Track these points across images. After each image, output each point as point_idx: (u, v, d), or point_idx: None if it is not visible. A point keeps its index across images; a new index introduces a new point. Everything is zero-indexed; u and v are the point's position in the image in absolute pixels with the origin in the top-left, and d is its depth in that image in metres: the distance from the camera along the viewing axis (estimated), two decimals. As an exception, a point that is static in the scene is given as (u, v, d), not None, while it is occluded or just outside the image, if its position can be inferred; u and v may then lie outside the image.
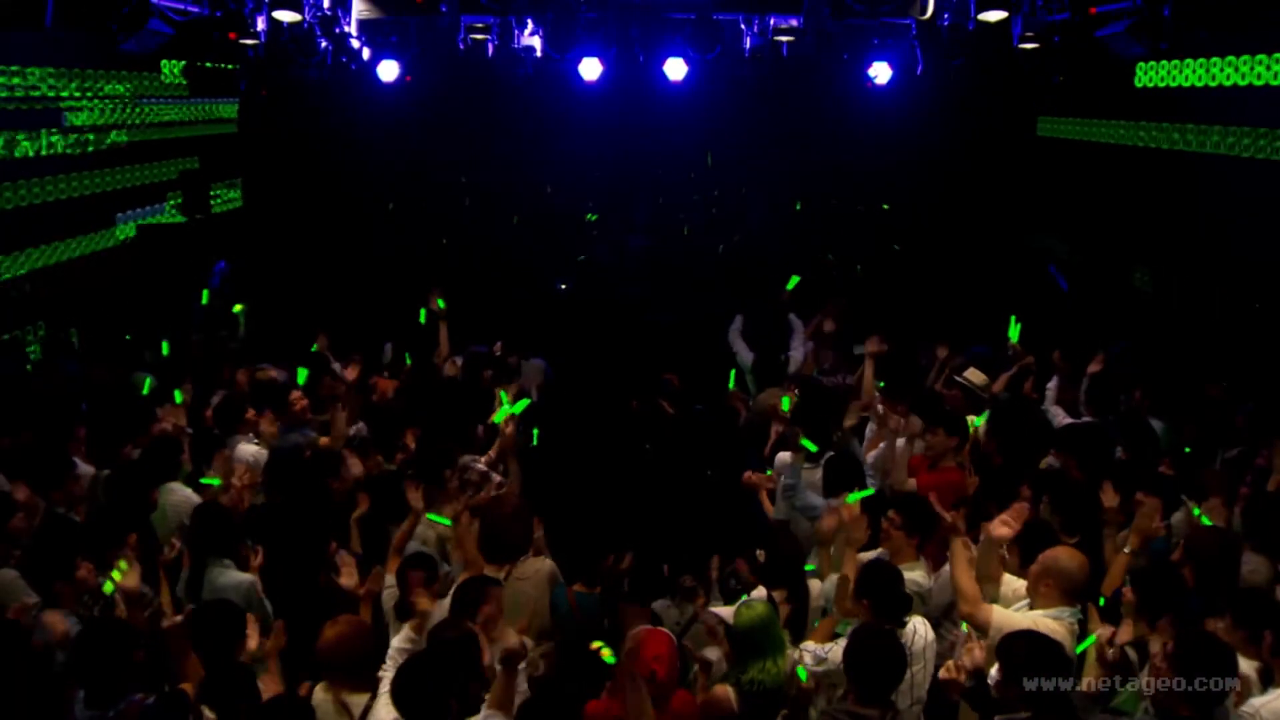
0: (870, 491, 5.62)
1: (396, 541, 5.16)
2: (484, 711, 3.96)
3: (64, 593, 4.58)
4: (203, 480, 5.86)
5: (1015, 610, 4.51)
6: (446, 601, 4.69)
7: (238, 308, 9.37)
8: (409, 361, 8.07)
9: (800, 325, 8.54)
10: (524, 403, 6.95)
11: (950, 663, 4.07)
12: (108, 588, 4.31)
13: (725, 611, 4.59)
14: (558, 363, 9.40)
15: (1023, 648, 3.83)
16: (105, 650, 3.93)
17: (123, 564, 4.35)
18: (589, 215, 14.28)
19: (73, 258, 9.84)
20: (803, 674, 4.30)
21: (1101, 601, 4.62)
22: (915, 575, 4.96)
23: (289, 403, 6.83)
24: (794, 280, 8.50)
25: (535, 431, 7.30)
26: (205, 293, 9.31)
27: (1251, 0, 7.87)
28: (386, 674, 4.13)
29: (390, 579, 5.01)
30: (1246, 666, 4.11)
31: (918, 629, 4.53)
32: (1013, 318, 7.45)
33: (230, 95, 12.61)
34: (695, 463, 7.64)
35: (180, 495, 5.78)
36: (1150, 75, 10.14)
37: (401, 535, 5.18)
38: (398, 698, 3.78)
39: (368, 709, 4.07)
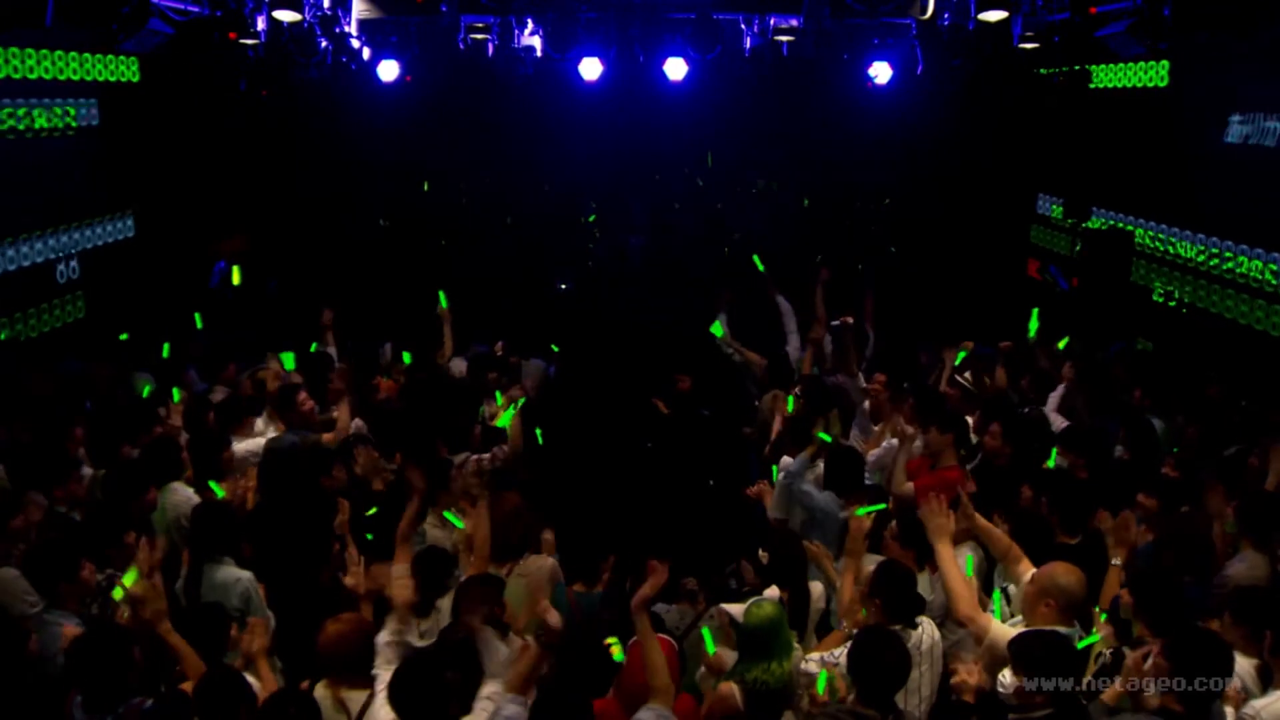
0: (882, 506, 5.63)
1: (402, 529, 5.16)
2: (499, 692, 3.96)
3: (67, 593, 4.59)
4: (210, 484, 5.87)
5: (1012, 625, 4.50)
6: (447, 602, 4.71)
7: (235, 278, 9.39)
8: (407, 360, 8.06)
9: (790, 309, 8.56)
10: (519, 403, 6.99)
11: (961, 669, 4.06)
12: (118, 594, 4.32)
13: (736, 609, 4.60)
14: (558, 363, 9.41)
15: (1038, 648, 3.82)
16: (103, 654, 3.93)
17: (134, 570, 4.35)
18: (589, 217, 14.28)
19: None
20: (823, 683, 4.27)
21: (1104, 617, 4.59)
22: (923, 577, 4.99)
23: (296, 403, 6.86)
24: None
25: (537, 431, 7.32)
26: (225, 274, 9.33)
27: (1252, 0, 7.86)
28: (380, 670, 4.15)
29: (401, 568, 5.03)
30: (1245, 664, 4.11)
31: (925, 629, 4.53)
32: (1035, 310, 7.45)
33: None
34: (696, 467, 7.64)
35: (181, 495, 5.78)
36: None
37: (407, 521, 5.18)
38: (395, 699, 3.77)
39: (365, 707, 4.08)
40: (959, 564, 4.70)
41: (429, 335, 8.53)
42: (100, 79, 9.74)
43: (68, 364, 7.99)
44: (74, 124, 9.42)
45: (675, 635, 4.87)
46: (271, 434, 6.64)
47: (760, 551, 5.28)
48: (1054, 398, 7.21)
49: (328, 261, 12.34)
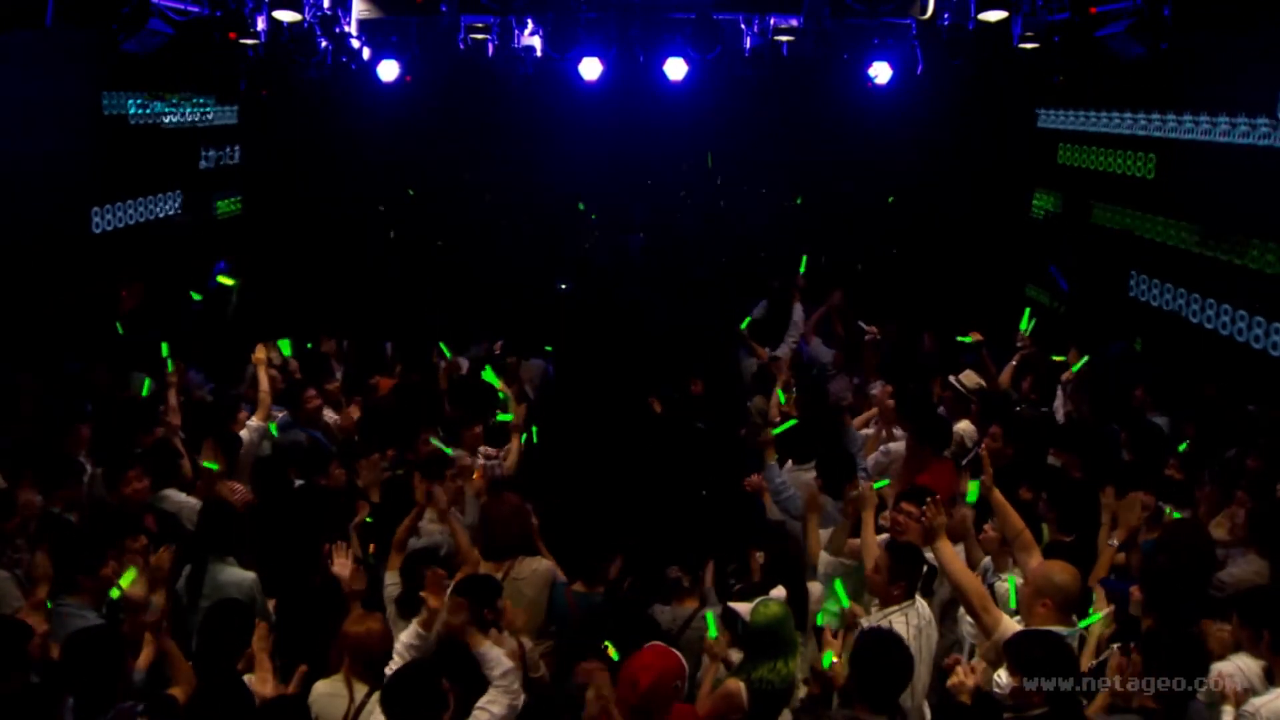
0: (885, 482, 5.73)
1: (398, 537, 5.16)
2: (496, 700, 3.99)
3: (86, 586, 4.59)
4: (203, 464, 5.87)
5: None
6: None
7: (231, 282, 9.42)
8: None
9: (802, 318, 8.60)
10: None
11: (959, 669, 4.06)
12: (114, 593, 4.32)
13: (743, 608, 4.60)
14: (557, 363, 9.42)
15: (1033, 648, 3.81)
16: (96, 659, 3.93)
17: (131, 571, 4.35)
18: (580, 206, 14.27)
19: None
20: (827, 660, 4.28)
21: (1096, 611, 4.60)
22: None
23: (303, 400, 6.88)
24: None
25: (534, 429, 7.33)
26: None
27: (1252, 0, 7.85)
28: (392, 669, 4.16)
29: (391, 576, 5.02)
30: (1254, 665, 4.12)
31: (920, 604, 4.58)
32: (1027, 310, 7.48)
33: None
34: (692, 472, 7.64)
35: (174, 502, 5.76)
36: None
37: (403, 531, 5.18)
38: (388, 705, 3.77)
39: (364, 703, 4.10)
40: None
41: (426, 334, 8.55)
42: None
43: (67, 365, 7.98)
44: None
45: (670, 635, 4.86)
46: (254, 423, 6.62)
47: (757, 553, 5.28)
48: (1060, 393, 7.20)
49: (327, 261, 12.35)
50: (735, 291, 10.94)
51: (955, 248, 12.72)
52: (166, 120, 10.44)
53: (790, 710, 4.47)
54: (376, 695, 4.09)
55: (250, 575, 5.01)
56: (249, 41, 9.23)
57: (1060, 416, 7.05)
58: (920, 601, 4.61)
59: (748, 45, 10.14)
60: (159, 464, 5.86)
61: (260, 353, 7.01)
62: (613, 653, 4.24)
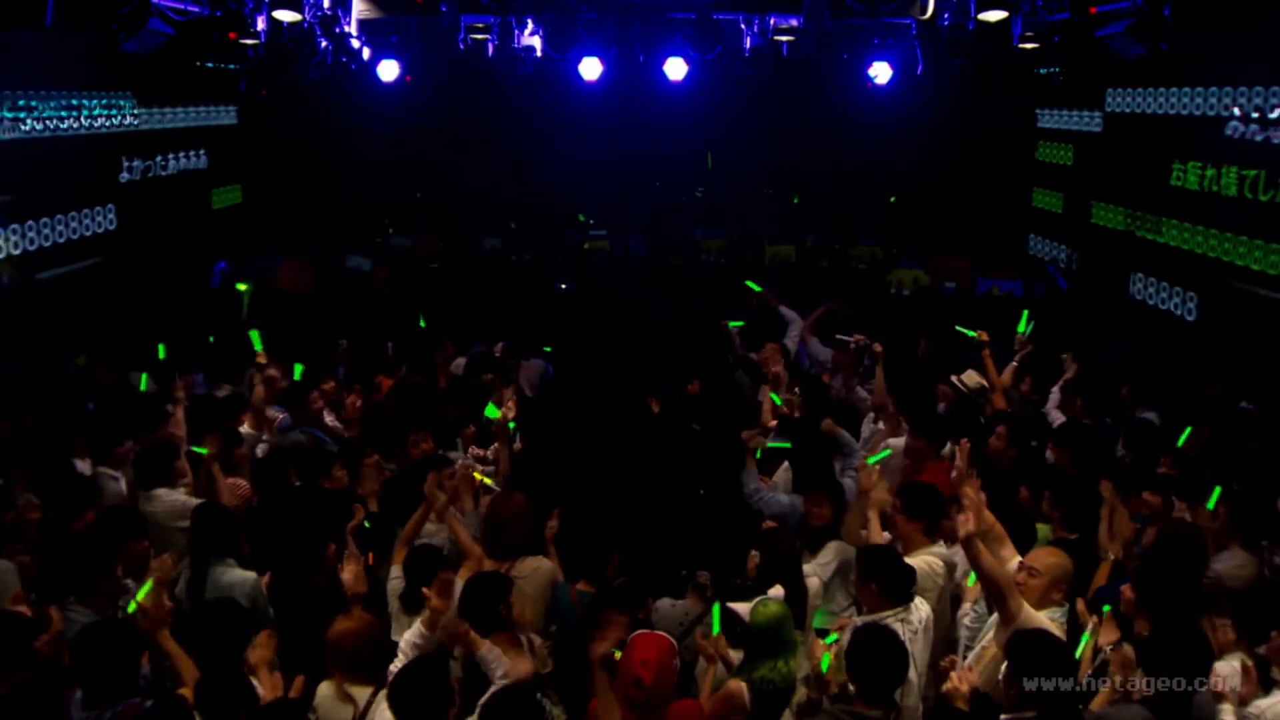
0: (887, 453, 5.82)
1: (406, 533, 5.15)
2: None
3: (104, 590, 4.57)
4: (194, 449, 5.85)
5: None
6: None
7: (242, 286, 9.39)
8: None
9: (795, 316, 8.59)
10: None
11: (954, 675, 4.05)
12: (131, 607, 4.31)
13: (742, 609, 4.60)
14: (557, 363, 9.41)
15: (1032, 647, 3.81)
16: (105, 652, 3.93)
17: (149, 584, 4.35)
18: (581, 217, 14.27)
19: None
20: (825, 664, 4.28)
21: (1107, 609, 4.59)
22: (938, 550, 5.03)
23: (306, 402, 6.87)
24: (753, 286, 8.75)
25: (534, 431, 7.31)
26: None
27: (1252, 1, 7.86)
28: (397, 667, 4.15)
29: (396, 570, 5.02)
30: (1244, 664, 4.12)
31: (919, 605, 4.57)
32: (1025, 311, 7.48)
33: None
34: (687, 467, 7.64)
35: (164, 503, 5.72)
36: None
37: (412, 526, 5.17)
38: (394, 702, 3.76)
39: (370, 704, 4.08)
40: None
41: (427, 336, 8.54)
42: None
43: (67, 364, 7.97)
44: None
45: (676, 633, 4.85)
46: (246, 430, 6.60)
47: (752, 552, 5.28)
48: (1055, 393, 7.21)
49: (327, 260, 12.35)
50: (735, 291, 10.94)
51: (955, 247, 12.73)
52: (65, 127, 8.66)
53: (790, 710, 4.47)
54: (381, 695, 4.09)
55: (251, 575, 4.99)
56: (249, 41, 9.24)
57: (1056, 418, 7.03)
58: (915, 610, 4.56)
59: (748, 45, 10.16)
60: (152, 463, 5.83)
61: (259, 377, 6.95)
62: (617, 655, 4.22)
